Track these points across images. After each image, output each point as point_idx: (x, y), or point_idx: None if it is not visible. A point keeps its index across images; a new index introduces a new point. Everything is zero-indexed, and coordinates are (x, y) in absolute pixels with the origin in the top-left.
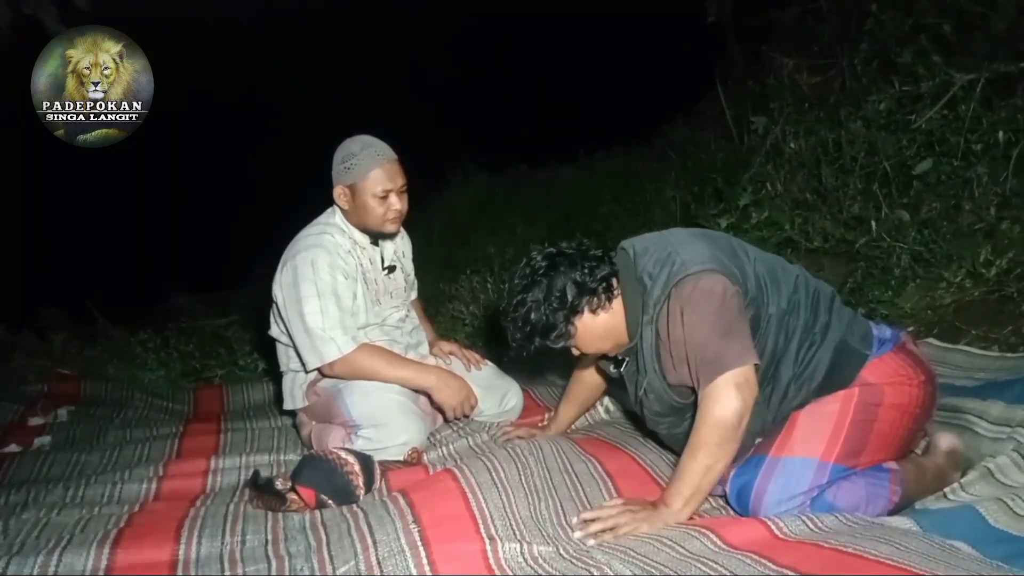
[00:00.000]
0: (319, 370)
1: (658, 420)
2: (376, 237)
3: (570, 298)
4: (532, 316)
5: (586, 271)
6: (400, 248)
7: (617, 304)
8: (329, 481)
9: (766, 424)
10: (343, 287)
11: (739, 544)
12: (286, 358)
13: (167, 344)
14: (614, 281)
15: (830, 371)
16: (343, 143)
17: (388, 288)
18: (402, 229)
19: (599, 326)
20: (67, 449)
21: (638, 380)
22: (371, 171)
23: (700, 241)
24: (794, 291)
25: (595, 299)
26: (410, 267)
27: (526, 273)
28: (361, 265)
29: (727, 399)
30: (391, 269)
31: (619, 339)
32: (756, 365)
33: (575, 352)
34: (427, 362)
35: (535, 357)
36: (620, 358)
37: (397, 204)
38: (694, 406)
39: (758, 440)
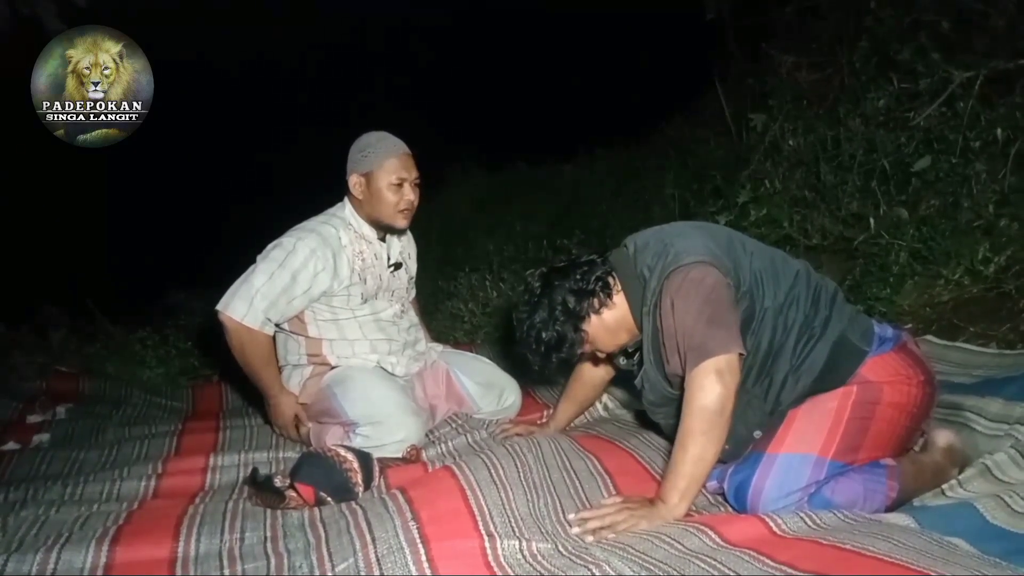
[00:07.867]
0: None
1: (655, 410)
2: (385, 231)
3: (571, 306)
4: (544, 335)
5: (579, 277)
6: (407, 249)
7: (619, 299)
8: (328, 478)
9: (764, 417)
10: (306, 277)
11: (738, 541)
12: (284, 351)
13: (166, 341)
14: (610, 279)
15: (828, 365)
16: (360, 136)
17: (391, 285)
18: (409, 232)
19: (608, 323)
20: (66, 446)
21: (640, 370)
22: (387, 160)
23: (696, 234)
24: (793, 285)
25: (595, 300)
26: (414, 268)
27: (527, 299)
28: (364, 260)
29: (709, 385)
30: (397, 266)
31: (632, 330)
32: (741, 355)
33: (600, 355)
34: (424, 358)
35: (561, 371)
36: (631, 350)
37: (410, 195)
38: None
39: (756, 433)
